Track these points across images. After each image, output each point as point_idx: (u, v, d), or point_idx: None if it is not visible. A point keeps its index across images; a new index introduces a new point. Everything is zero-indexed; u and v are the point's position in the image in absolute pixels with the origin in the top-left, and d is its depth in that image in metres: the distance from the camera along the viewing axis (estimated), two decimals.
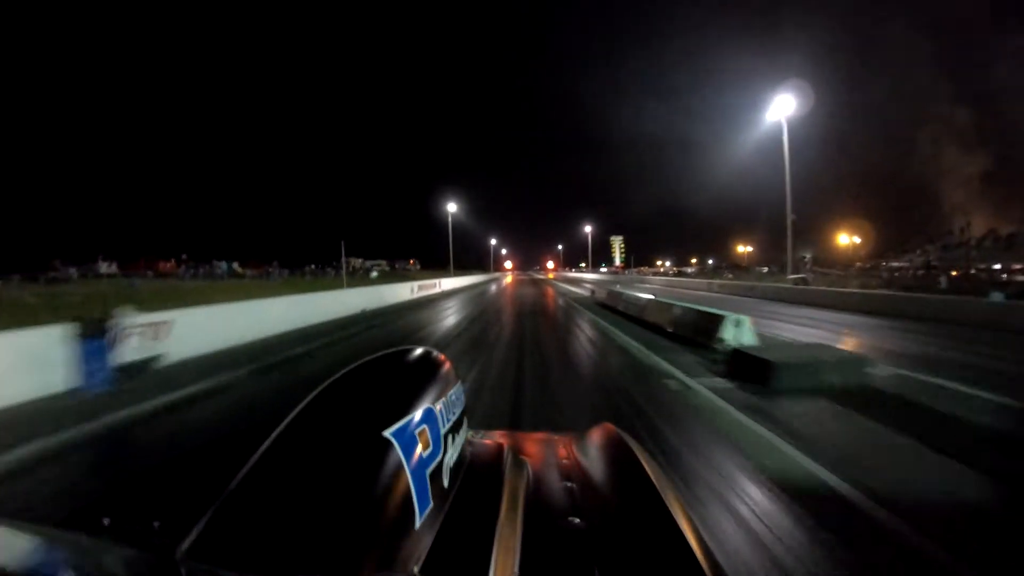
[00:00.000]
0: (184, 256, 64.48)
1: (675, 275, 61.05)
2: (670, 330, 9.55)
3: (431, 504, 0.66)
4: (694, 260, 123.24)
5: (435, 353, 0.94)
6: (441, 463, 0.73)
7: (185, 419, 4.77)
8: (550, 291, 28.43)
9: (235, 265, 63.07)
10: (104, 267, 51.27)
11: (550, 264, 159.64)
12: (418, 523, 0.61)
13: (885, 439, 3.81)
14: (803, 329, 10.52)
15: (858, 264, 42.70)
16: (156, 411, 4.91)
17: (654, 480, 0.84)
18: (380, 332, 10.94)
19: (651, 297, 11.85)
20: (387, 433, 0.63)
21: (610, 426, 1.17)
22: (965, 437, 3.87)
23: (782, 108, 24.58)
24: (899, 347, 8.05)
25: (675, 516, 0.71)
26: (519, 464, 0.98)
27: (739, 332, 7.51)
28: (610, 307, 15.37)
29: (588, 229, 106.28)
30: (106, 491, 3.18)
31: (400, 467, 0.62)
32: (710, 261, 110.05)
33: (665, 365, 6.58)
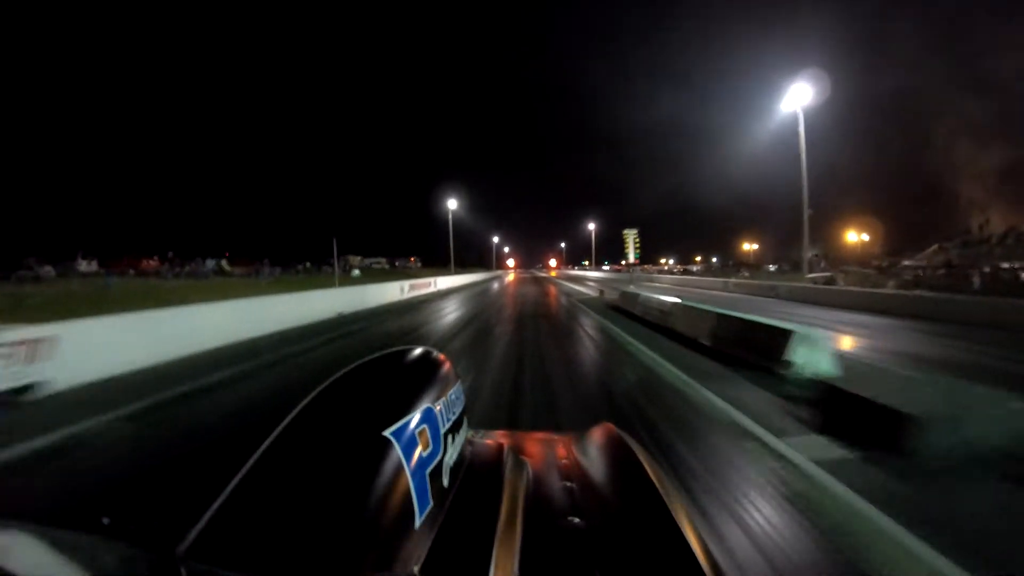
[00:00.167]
0: (171, 254, 61.59)
1: (681, 273, 58.64)
2: (706, 343, 7.59)
3: (431, 504, 0.66)
4: (698, 258, 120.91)
5: (435, 353, 0.92)
6: (441, 463, 0.73)
7: None
8: (552, 290, 26.36)
9: (224, 263, 59.42)
10: (84, 265, 48.26)
11: (552, 262, 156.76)
12: (418, 523, 0.62)
13: None
14: (859, 341, 8.56)
15: (875, 263, 40.51)
16: None
17: (655, 480, 0.83)
18: (343, 346, 8.86)
19: (677, 301, 9.85)
20: (387, 433, 0.63)
21: (610, 426, 1.16)
22: None
23: (798, 98, 22.43)
24: (998, 366, 6.08)
25: (676, 516, 0.71)
26: (519, 464, 0.98)
27: (814, 354, 5.54)
28: (624, 311, 13.40)
29: (591, 226, 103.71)
30: None
31: (400, 467, 0.62)
32: (714, 259, 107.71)
33: (720, 403, 4.62)
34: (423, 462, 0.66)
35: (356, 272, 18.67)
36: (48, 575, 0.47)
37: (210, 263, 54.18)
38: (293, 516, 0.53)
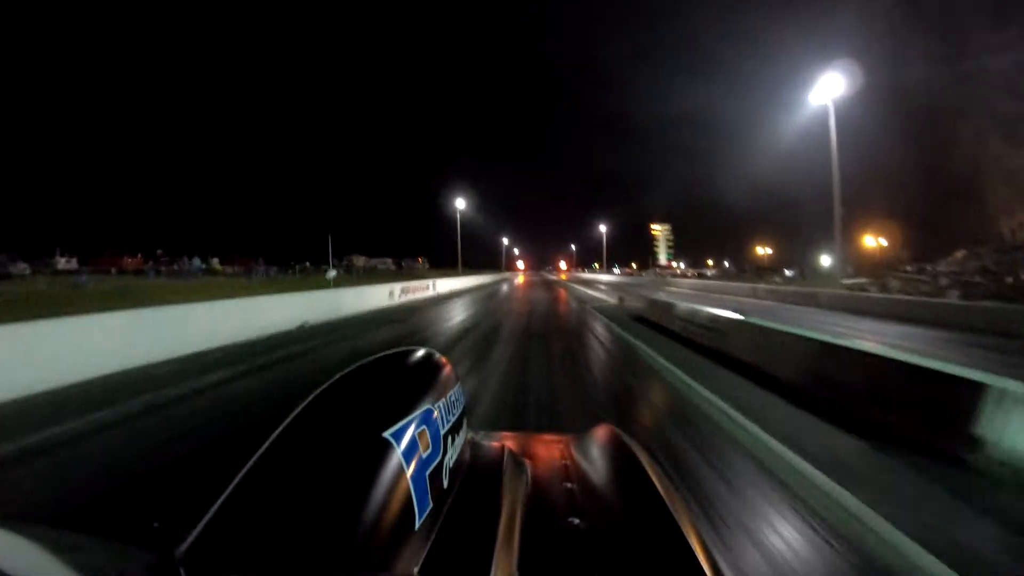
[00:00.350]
0: (159, 251, 59.30)
1: (697, 277, 55.55)
2: (792, 380, 5.10)
3: (431, 505, 0.65)
4: (710, 261, 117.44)
5: (435, 354, 0.91)
6: (441, 464, 0.72)
7: None
8: (563, 295, 23.83)
9: (214, 261, 56.74)
10: (63, 262, 45.80)
11: (563, 265, 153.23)
12: (418, 524, 0.61)
13: None
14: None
15: (907, 268, 37.46)
16: None
17: (655, 481, 0.82)
18: (266, 382, 6.33)
19: (736, 316, 7.30)
20: (387, 434, 0.62)
21: (610, 426, 1.14)
22: None
23: (828, 90, 19.88)
24: None
25: (677, 518, 0.70)
26: (519, 465, 0.97)
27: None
28: (652, 323, 10.90)
29: (603, 228, 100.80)
30: None
31: (400, 468, 0.61)
32: (726, 263, 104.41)
33: (910, 560, 2.14)
34: (423, 463, 0.66)
35: (332, 273, 16.08)
36: (29, 567, 0.46)
37: (197, 262, 51.82)
38: (293, 517, 0.52)
